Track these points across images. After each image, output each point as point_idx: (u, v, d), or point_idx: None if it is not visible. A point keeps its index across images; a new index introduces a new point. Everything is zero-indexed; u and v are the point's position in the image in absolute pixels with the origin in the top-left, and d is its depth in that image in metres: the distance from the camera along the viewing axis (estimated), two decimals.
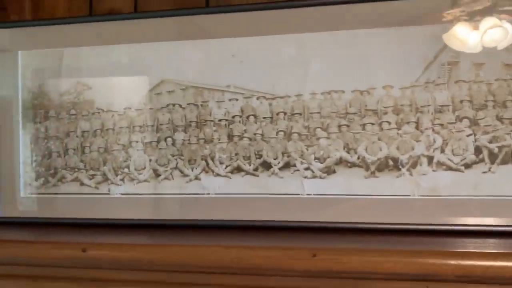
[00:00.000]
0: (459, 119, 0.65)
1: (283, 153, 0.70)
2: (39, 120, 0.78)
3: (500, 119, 0.64)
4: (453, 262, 0.52)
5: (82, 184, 0.77)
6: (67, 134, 0.77)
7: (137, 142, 0.75)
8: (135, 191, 0.75)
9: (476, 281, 0.52)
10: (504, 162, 0.64)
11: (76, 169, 0.77)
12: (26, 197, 0.78)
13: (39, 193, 0.78)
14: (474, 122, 0.65)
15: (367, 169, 0.68)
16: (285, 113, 0.70)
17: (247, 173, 0.71)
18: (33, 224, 0.77)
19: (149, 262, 0.58)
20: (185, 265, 0.58)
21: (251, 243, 0.62)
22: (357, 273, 0.54)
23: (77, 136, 0.77)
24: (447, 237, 0.62)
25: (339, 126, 0.69)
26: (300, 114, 0.70)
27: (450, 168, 0.65)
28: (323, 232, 0.66)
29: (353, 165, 0.68)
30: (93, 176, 0.76)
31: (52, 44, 0.78)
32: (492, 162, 0.64)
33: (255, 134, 0.71)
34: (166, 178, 0.74)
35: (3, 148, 0.79)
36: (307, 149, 0.70)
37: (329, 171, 0.69)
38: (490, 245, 0.59)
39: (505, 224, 0.62)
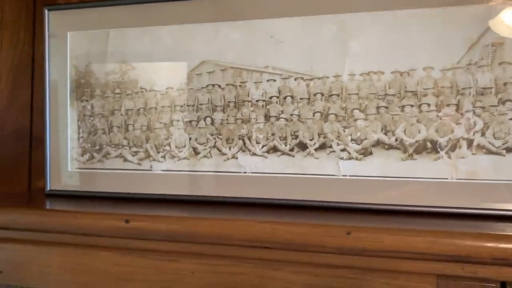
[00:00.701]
0: (502, 101, 0.64)
1: (319, 134, 0.71)
2: (85, 98, 0.82)
3: None
4: (490, 244, 0.52)
5: (125, 160, 0.80)
6: (112, 112, 0.81)
7: (178, 121, 0.77)
8: (175, 168, 0.77)
9: None
10: None
11: (120, 146, 0.80)
12: (73, 171, 0.83)
13: (85, 168, 0.82)
14: None
15: (405, 151, 0.67)
16: (322, 94, 0.71)
17: (283, 153, 0.72)
18: (79, 197, 0.81)
19: (186, 233, 0.61)
20: (221, 237, 0.60)
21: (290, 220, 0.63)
22: (392, 252, 0.54)
23: (121, 114, 0.80)
24: (484, 221, 0.61)
25: (378, 107, 0.68)
26: (338, 95, 0.70)
27: (490, 152, 0.64)
28: (358, 212, 0.67)
29: (390, 147, 0.68)
30: (136, 153, 0.80)
31: (99, 26, 0.81)
32: None
33: (291, 114, 0.72)
34: (205, 156, 0.76)
35: (52, 125, 0.83)
36: (344, 130, 0.70)
37: (366, 152, 0.69)
38: None
39: None
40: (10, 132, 0.99)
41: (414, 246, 0.53)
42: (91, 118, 0.82)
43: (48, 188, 0.84)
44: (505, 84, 0.64)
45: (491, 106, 0.64)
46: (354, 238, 0.55)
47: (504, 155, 0.64)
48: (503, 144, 0.64)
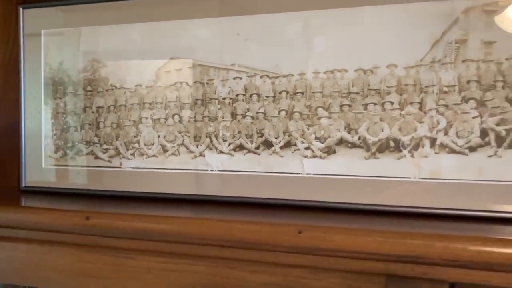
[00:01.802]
0: (465, 100, 0.63)
1: (284, 132, 0.70)
2: (59, 96, 0.83)
3: (509, 100, 0.61)
4: (440, 244, 0.51)
5: (96, 157, 0.81)
6: (83, 109, 0.81)
7: (146, 118, 0.78)
8: (144, 165, 0.78)
9: (463, 266, 0.51)
10: (511, 145, 0.61)
11: (91, 143, 0.81)
12: (47, 168, 0.84)
13: (58, 165, 0.83)
14: (481, 104, 0.62)
15: (368, 150, 0.67)
16: (287, 92, 0.70)
17: (249, 151, 0.72)
18: (53, 193, 0.82)
19: (143, 231, 0.61)
20: (177, 235, 0.60)
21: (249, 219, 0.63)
22: (342, 252, 0.54)
23: (92, 112, 0.81)
24: (446, 222, 0.60)
25: (341, 105, 0.68)
26: (302, 93, 0.70)
27: (453, 151, 0.63)
28: (320, 211, 0.66)
29: (353, 145, 0.67)
30: (106, 150, 0.80)
31: (71, 24, 0.81)
32: (499, 146, 0.61)
33: (257, 112, 0.72)
34: (173, 154, 0.76)
35: (28, 123, 0.84)
36: (308, 129, 0.69)
37: (329, 151, 0.68)
38: (488, 231, 0.56)
39: (508, 210, 0.60)
40: (1, 127, 1.00)
41: (364, 246, 0.53)
42: (64, 115, 0.83)
43: (24, 185, 0.85)
44: (468, 82, 0.63)
45: (455, 104, 0.63)
46: (305, 237, 0.55)
47: (467, 155, 0.63)
48: (466, 143, 0.63)
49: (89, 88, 0.81)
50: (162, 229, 0.61)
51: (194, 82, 0.75)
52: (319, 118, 0.69)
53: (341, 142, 0.68)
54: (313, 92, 0.69)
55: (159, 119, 0.77)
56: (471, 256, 0.50)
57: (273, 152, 0.71)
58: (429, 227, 0.57)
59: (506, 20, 0.61)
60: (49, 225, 0.65)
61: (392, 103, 0.65)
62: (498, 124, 0.61)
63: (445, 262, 0.51)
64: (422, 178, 0.64)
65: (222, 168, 0.73)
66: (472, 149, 0.62)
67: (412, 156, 0.65)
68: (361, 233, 0.53)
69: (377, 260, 0.53)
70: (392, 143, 0.66)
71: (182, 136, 0.76)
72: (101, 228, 0.63)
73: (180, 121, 0.76)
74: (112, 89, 0.80)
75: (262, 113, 0.72)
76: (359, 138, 0.67)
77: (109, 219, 0.63)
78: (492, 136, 0.62)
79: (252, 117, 0.72)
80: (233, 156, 0.73)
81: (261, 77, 0.71)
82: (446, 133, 0.63)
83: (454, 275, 0.51)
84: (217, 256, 0.59)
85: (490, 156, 0.62)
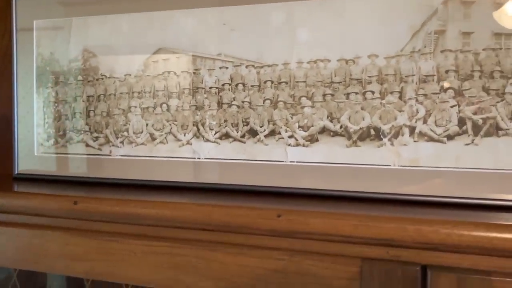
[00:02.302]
0: (444, 89, 0.64)
1: (269, 121, 0.72)
2: (50, 85, 0.84)
3: (486, 90, 0.62)
4: (412, 227, 0.53)
5: (87, 145, 0.82)
6: (74, 98, 0.83)
7: (135, 107, 0.79)
8: (133, 153, 0.79)
9: (435, 248, 0.52)
10: (488, 134, 0.62)
11: (82, 132, 0.83)
12: (39, 156, 0.85)
13: (50, 153, 0.85)
14: (459, 93, 0.63)
15: (349, 138, 0.68)
16: (272, 82, 0.72)
17: (235, 139, 0.74)
18: (45, 181, 0.84)
19: (128, 215, 0.63)
20: (161, 219, 0.62)
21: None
22: (318, 235, 0.56)
23: (83, 101, 0.83)
24: (425, 208, 0.62)
25: (324, 95, 0.69)
26: (286, 82, 0.71)
27: (432, 139, 0.64)
28: (304, 197, 0.68)
29: (335, 134, 0.69)
30: (96, 138, 0.82)
31: (63, 14, 0.83)
32: (476, 134, 0.63)
33: (243, 102, 0.73)
34: (161, 142, 0.78)
35: (20, 111, 0.86)
36: (291, 118, 0.71)
37: (312, 139, 0.70)
38: (463, 216, 0.58)
39: (484, 197, 0.61)
40: None
41: (339, 229, 0.54)
42: (56, 104, 0.84)
43: (16, 172, 0.87)
44: (447, 71, 0.64)
45: (433, 93, 0.65)
46: (283, 221, 0.56)
47: (445, 143, 0.64)
48: (444, 132, 0.64)
49: (79, 78, 0.83)
50: (146, 213, 0.62)
51: (181, 71, 0.77)
52: (303, 107, 0.70)
53: (323, 130, 0.69)
54: (296, 82, 0.71)
55: (147, 108, 0.79)
56: (442, 239, 0.51)
57: (258, 141, 0.73)
58: (405, 212, 0.59)
59: (504, 15, 0.62)
60: (38, 210, 0.67)
61: (373, 92, 0.67)
62: (475, 113, 0.63)
63: (417, 244, 0.52)
64: (401, 166, 0.66)
65: (208, 156, 0.75)
66: (450, 137, 0.64)
67: (392, 144, 0.66)
68: (336, 216, 0.55)
69: (352, 243, 0.55)
70: (372, 132, 0.67)
71: (170, 124, 0.77)
72: (88, 213, 0.65)
73: (168, 110, 0.78)
74: (102, 79, 0.81)
75: (248, 102, 0.73)
76: (341, 127, 0.68)
77: (96, 204, 0.65)
78: (469, 124, 0.63)
79: (238, 106, 0.74)
80: (219, 144, 0.75)
81: (246, 66, 0.73)
82: (425, 122, 0.65)
83: (426, 257, 0.53)
84: (198, 239, 0.61)
85: (467, 144, 0.63)
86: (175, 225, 0.61)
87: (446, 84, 0.63)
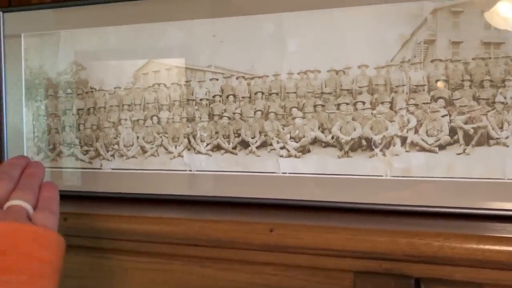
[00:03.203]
0: (434, 99, 0.64)
1: (260, 132, 0.72)
2: (39, 99, 0.84)
3: (476, 99, 0.62)
4: (404, 241, 0.52)
5: (77, 159, 0.82)
6: (64, 112, 0.82)
7: (125, 120, 0.79)
8: (124, 166, 0.79)
9: (427, 261, 0.52)
10: (479, 143, 0.62)
11: (72, 145, 0.82)
12: None
13: None
14: (449, 103, 0.63)
15: (341, 149, 0.68)
16: (262, 93, 0.71)
17: (227, 151, 0.73)
18: None
19: (118, 231, 0.62)
20: (152, 235, 0.61)
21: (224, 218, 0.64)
22: (311, 249, 0.55)
23: (73, 114, 0.82)
24: (417, 218, 0.61)
25: (315, 106, 0.69)
26: (277, 94, 0.71)
27: (423, 149, 0.64)
28: (296, 209, 0.67)
29: (327, 144, 0.69)
30: (87, 151, 0.81)
31: (51, 27, 0.82)
32: (467, 144, 0.63)
33: (234, 113, 0.73)
34: (152, 155, 0.77)
35: (9, 125, 0.85)
36: (283, 129, 0.71)
37: (304, 150, 0.70)
38: (454, 227, 0.58)
39: (476, 207, 0.61)
40: None
41: (332, 243, 0.54)
42: (45, 117, 0.84)
43: None
44: (437, 81, 0.64)
45: (424, 103, 0.64)
46: (276, 235, 0.56)
47: (437, 152, 0.64)
48: (435, 142, 0.64)
49: (69, 91, 0.82)
50: (137, 229, 0.62)
51: (172, 83, 0.76)
52: (294, 118, 0.70)
53: (315, 141, 0.69)
54: (287, 93, 0.70)
55: (138, 120, 0.78)
56: (434, 252, 0.51)
57: (250, 152, 0.72)
58: (397, 223, 0.59)
59: (495, 15, 0.62)
60: None
61: (363, 102, 0.67)
62: (466, 123, 0.63)
63: (409, 258, 0.52)
64: (393, 176, 0.65)
65: (200, 168, 0.75)
66: (442, 147, 0.64)
67: (384, 154, 0.66)
68: (329, 230, 0.55)
69: (345, 257, 0.54)
70: (364, 142, 0.67)
71: (161, 137, 0.77)
72: (78, 229, 0.64)
73: (159, 122, 0.77)
74: (92, 91, 0.81)
75: (239, 113, 0.73)
76: (332, 138, 0.68)
77: (86, 220, 0.64)
78: (460, 134, 0.63)
79: (229, 118, 0.73)
80: (211, 156, 0.74)
81: (237, 78, 0.73)
82: (416, 132, 0.65)
83: (419, 270, 0.53)
84: (190, 255, 0.60)
85: (459, 154, 0.63)
86: (166, 241, 0.61)
87: (439, 84, 0.63)
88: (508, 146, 0.61)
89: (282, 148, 0.71)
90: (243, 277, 0.58)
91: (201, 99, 0.75)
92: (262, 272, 0.58)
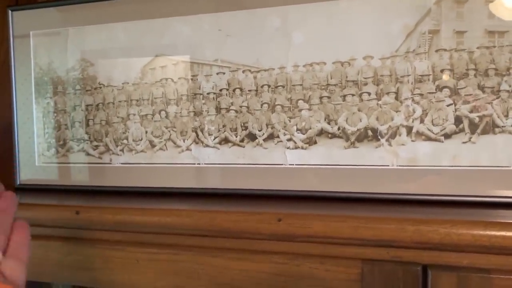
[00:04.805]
0: (439, 88, 0.64)
1: (267, 125, 0.72)
2: (49, 95, 0.85)
3: (481, 88, 0.63)
4: (411, 228, 0.53)
5: (87, 154, 0.83)
6: (73, 108, 0.84)
7: (134, 115, 0.80)
8: (133, 160, 0.80)
9: (435, 248, 0.53)
10: (484, 132, 0.63)
11: (82, 141, 0.83)
12: (40, 166, 0.86)
13: (51, 163, 0.85)
14: (454, 92, 0.64)
15: (347, 139, 0.68)
16: (269, 86, 0.72)
17: (234, 144, 0.74)
18: (47, 190, 0.84)
19: (130, 223, 0.63)
20: (163, 226, 0.62)
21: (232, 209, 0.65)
22: (319, 238, 0.56)
23: (82, 110, 0.83)
24: (424, 207, 0.62)
25: (321, 97, 0.70)
26: (283, 86, 0.71)
27: (429, 138, 0.65)
28: (305, 200, 0.68)
29: (333, 135, 0.69)
30: (96, 146, 0.82)
31: (59, 24, 0.83)
32: (473, 132, 0.63)
33: (241, 106, 0.74)
34: (160, 149, 0.78)
35: (20, 122, 0.87)
36: (289, 121, 0.71)
37: (311, 142, 0.70)
38: (461, 215, 0.58)
39: (482, 194, 0.61)
40: None
41: (339, 231, 0.55)
42: (55, 114, 0.85)
43: (18, 183, 0.87)
44: (442, 71, 0.64)
45: (429, 93, 0.65)
46: (284, 225, 0.57)
47: (443, 141, 0.64)
48: (441, 131, 0.64)
49: (78, 87, 0.83)
50: (148, 221, 0.63)
51: (179, 78, 0.77)
52: (300, 110, 0.71)
53: (321, 133, 0.70)
54: (293, 85, 0.71)
55: (146, 115, 0.79)
56: (441, 239, 0.52)
57: (257, 144, 0.73)
58: (404, 212, 0.59)
59: (500, 6, 0.62)
60: (41, 220, 0.68)
61: (369, 93, 0.67)
62: (471, 111, 0.63)
63: (417, 245, 0.53)
64: (400, 166, 0.66)
65: (208, 161, 0.76)
66: (447, 136, 0.64)
67: (390, 144, 0.66)
68: (336, 219, 0.55)
69: (353, 245, 0.55)
70: (370, 133, 0.67)
71: (169, 131, 0.78)
72: (90, 222, 0.65)
73: (167, 116, 0.78)
74: (100, 87, 0.82)
75: (246, 106, 0.74)
76: (338, 129, 0.69)
77: (98, 213, 0.66)
78: (466, 123, 0.63)
79: (236, 111, 0.74)
80: (219, 149, 0.75)
81: (243, 71, 0.73)
82: (422, 121, 0.65)
83: (426, 257, 0.53)
84: (200, 246, 0.61)
85: (465, 142, 0.63)
86: (176, 232, 0.62)
87: (445, 77, 0.64)
88: None
89: (289, 140, 0.71)
90: (252, 266, 0.59)
91: (208, 93, 0.76)
92: (271, 261, 0.58)
